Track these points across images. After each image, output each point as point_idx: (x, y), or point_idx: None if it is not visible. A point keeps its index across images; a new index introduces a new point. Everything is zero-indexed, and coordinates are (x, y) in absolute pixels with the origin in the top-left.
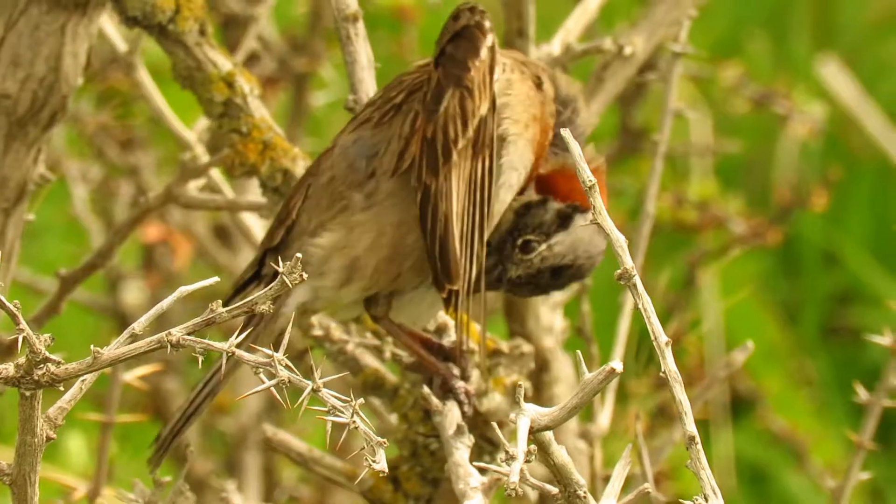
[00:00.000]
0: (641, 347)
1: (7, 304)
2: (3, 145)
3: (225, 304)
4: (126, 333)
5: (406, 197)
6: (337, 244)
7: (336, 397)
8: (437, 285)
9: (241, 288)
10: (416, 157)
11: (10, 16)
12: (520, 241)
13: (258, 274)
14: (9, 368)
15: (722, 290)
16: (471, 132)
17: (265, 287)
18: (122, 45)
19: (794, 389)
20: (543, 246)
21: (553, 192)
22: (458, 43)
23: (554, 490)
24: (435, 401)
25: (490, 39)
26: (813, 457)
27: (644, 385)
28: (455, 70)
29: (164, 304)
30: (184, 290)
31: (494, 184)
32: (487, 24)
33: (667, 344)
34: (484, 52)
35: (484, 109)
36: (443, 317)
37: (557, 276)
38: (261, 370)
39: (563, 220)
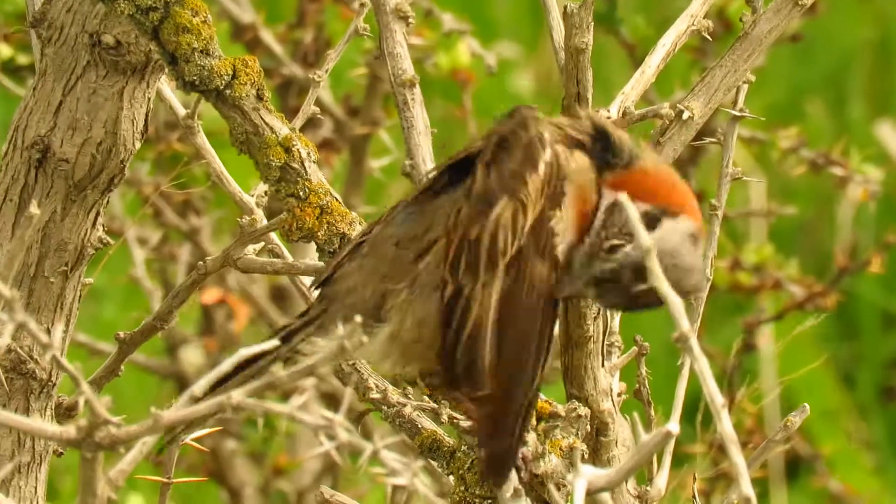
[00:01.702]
0: (699, 410)
1: (68, 366)
2: (62, 209)
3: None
4: (186, 396)
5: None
6: (394, 335)
7: (396, 459)
8: (450, 386)
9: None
10: (451, 253)
11: (67, 80)
12: (607, 245)
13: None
14: (70, 430)
15: (779, 353)
16: (516, 247)
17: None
18: (181, 109)
19: (854, 450)
20: (628, 246)
21: (638, 194)
22: (516, 152)
23: None
24: None
25: (549, 154)
26: None
27: (701, 447)
28: (512, 181)
29: (224, 367)
30: (243, 353)
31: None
32: (548, 135)
33: (723, 406)
34: (542, 168)
35: (529, 223)
36: None
37: (640, 277)
38: (321, 432)
39: (650, 222)
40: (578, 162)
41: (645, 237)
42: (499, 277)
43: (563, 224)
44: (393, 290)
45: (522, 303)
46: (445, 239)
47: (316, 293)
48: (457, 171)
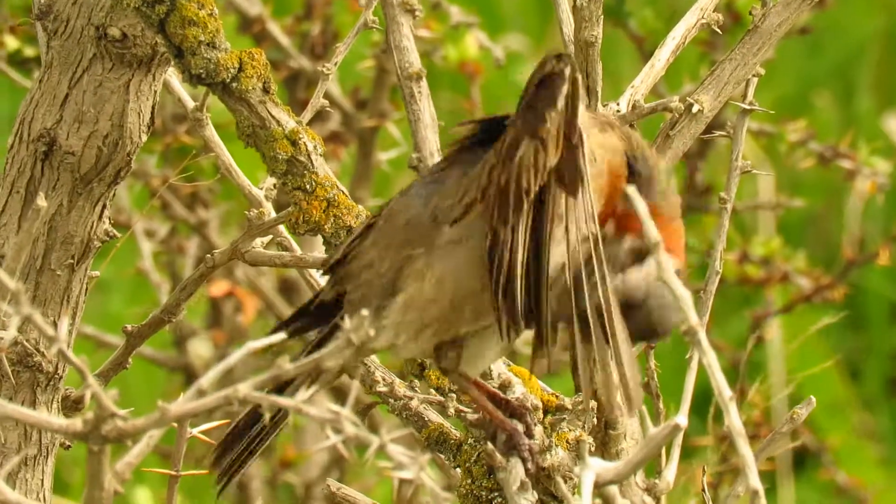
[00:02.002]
0: (709, 403)
1: (74, 359)
2: (68, 202)
3: (287, 324)
4: (193, 389)
5: (464, 243)
6: (410, 301)
7: (402, 453)
8: (500, 332)
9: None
10: (489, 204)
11: (73, 73)
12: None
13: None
14: (77, 424)
15: (787, 345)
16: (540, 184)
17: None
18: (189, 102)
19: (861, 442)
20: (617, 279)
21: (631, 230)
22: (538, 92)
23: None
24: (499, 457)
25: (566, 89)
26: None
27: (710, 440)
28: (532, 120)
29: (232, 359)
30: (252, 345)
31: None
32: (568, 70)
33: (731, 399)
34: (561, 102)
35: (553, 161)
36: (506, 373)
37: (627, 316)
38: (328, 426)
39: (638, 258)
40: (611, 140)
41: (653, 230)
42: (526, 215)
43: (595, 168)
44: (411, 257)
45: (553, 235)
46: (481, 198)
47: (325, 277)
48: (488, 133)
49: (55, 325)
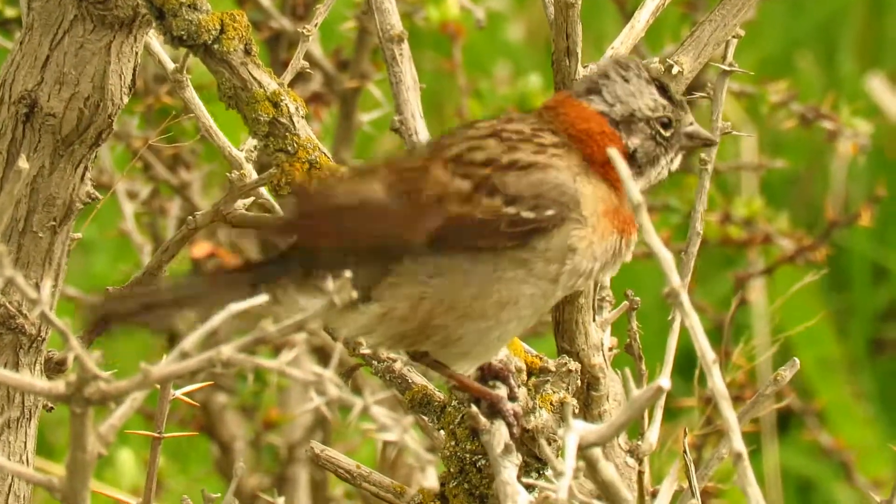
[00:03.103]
0: (693, 365)
1: (57, 321)
2: (49, 164)
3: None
4: (176, 352)
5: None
6: (385, 313)
7: (386, 415)
8: None
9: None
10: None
11: (54, 35)
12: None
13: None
14: (59, 386)
15: (772, 306)
16: None
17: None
18: (170, 64)
19: (851, 400)
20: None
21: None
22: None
23: None
24: (482, 420)
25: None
26: (860, 470)
27: (694, 401)
28: None
29: (215, 322)
30: (234, 308)
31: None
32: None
33: (714, 362)
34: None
35: None
36: None
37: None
38: (311, 387)
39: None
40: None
41: (636, 192)
42: None
43: None
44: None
45: None
46: None
47: None
48: None
49: (38, 286)
